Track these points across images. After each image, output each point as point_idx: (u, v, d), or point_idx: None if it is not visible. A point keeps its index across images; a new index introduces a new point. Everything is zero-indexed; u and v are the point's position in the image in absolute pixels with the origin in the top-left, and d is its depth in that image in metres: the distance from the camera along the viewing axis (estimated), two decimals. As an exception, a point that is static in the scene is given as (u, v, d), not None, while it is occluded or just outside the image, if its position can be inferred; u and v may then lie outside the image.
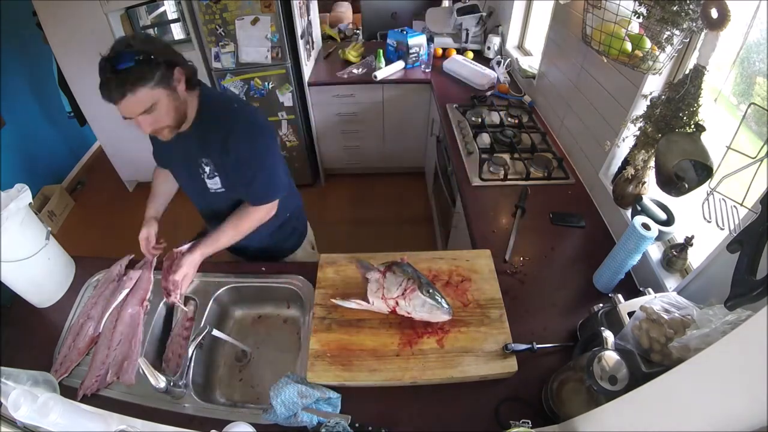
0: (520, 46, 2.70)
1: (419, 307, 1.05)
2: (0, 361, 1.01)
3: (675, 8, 1.01)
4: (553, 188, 1.70)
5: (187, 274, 1.21)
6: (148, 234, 1.35)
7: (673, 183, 1.08)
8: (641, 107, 1.27)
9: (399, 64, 2.79)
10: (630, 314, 0.98)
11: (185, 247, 1.27)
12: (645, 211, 1.24)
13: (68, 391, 1.05)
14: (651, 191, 1.31)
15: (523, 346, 1.06)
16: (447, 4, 3.24)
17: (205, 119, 1.15)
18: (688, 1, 0.99)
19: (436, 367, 1.02)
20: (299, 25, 2.51)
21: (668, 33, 1.07)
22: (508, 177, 1.74)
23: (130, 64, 0.96)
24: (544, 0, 2.27)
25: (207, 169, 1.21)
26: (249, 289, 1.34)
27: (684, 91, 1.06)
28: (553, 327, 1.17)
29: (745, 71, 1.11)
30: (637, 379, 0.77)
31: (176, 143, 1.16)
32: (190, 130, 1.16)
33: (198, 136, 1.17)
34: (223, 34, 2.42)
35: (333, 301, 1.13)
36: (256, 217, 1.26)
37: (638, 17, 1.13)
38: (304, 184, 3.24)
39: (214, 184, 1.24)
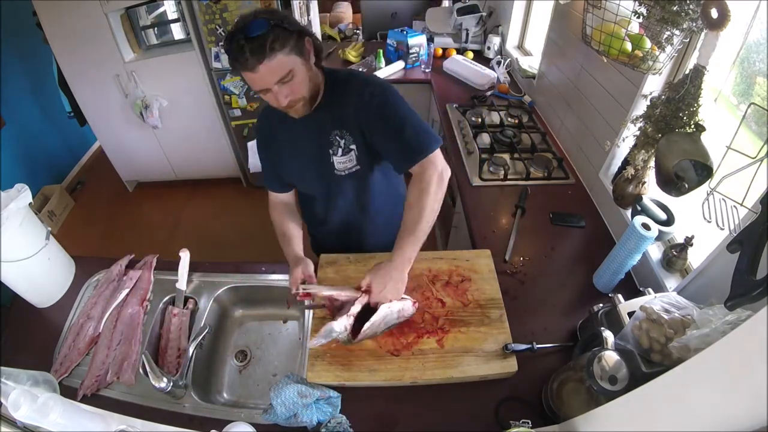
0: (520, 46, 2.70)
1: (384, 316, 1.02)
2: (0, 361, 1.01)
3: (675, 8, 1.01)
4: (553, 188, 1.70)
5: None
6: (305, 271, 1.13)
7: (673, 183, 1.08)
8: (641, 107, 1.27)
9: (399, 64, 2.79)
10: (630, 314, 0.98)
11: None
12: (645, 211, 1.24)
13: (68, 391, 1.05)
14: (651, 191, 1.31)
15: (523, 346, 1.06)
16: (447, 4, 3.23)
17: (334, 90, 1.09)
18: (688, 1, 0.99)
19: (436, 367, 1.02)
20: (299, 25, 2.51)
21: (668, 33, 1.07)
22: (508, 177, 1.74)
23: (265, 29, 0.90)
24: (544, 0, 2.27)
25: (341, 141, 1.10)
26: (249, 289, 1.34)
27: (684, 91, 1.06)
28: (553, 327, 1.17)
29: (745, 71, 1.11)
30: (637, 379, 0.77)
31: (300, 129, 1.11)
32: (319, 107, 1.09)
33: (328, 110, 1.09)
34: (223, 34, 2.42)
35: (302, 287, 1.07)
36: (431, 177, 1.02)
37: (638, 17, 1.13)
38: (304, 184, 3.25)
39: (348, 161, 1.13)
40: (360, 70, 2.78)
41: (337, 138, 1.11)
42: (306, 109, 1.05)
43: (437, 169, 1.03)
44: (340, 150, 1.12)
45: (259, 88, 0.97)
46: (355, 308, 1.01)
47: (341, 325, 0.99)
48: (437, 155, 1.05)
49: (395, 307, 1.04)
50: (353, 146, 1.11)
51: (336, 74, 1.12)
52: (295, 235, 1.23)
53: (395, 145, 1.06)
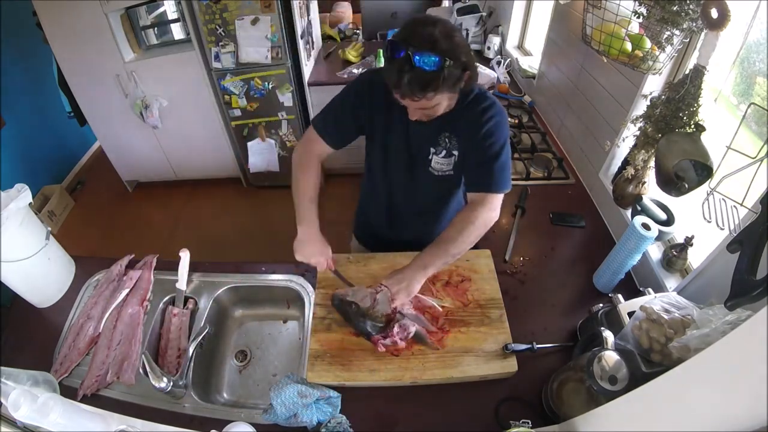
0: (520, 46, 2.70)
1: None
2: (0, 361, 1.01)
3: (675, 8, 1.01)
4: (553, 188, 1.70)
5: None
6: (326, 255, 1.15)
7: (673, 183, 1.08)
8: (641, 107, 1.27)
9: (399, 64, 2.78)
10: (630, 314, 0.98)
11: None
12: (645, 211, 1.24)
13: (68, 391, 1.05)
14: (651, 191, 1.31)
15: (523, 346, 1.06)
16: (447, 4, 3.24)
17: (460, 101, 1.06)
18: (688, 1, 0.99)
19: (436, 367, 1.02)
20: (299, 25, 2.51)
21: (668, 33, 1.07)
22: (508, 177, 1.73)
23: (436, 68, 0.86)
24: (544, 0, 2.26)
25: (447, 143, 1.11)
26: (249, 289, 1.34)
27: (684, 91, 1.06)
28: (553, 327, 1.17)
29: (745, 71, 1.11)
30: (637, 379, 0.77)
31: (410, 122, 1.07)
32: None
33: (448, 113, 1.06)
34: (223, 34, 2.42)
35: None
36: (482, 215, 1.05)
37: (638, 17, 1.13)
38: (304, 184, 3.25)
39: (446, 164, 1.14)
40: (361, 71, 2.78)
41: (446, 140, 1.11)
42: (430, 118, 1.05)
43: (492, 212, 1.07)
44: (444, 152, 1.13)
45: (404, 103, 0.97)
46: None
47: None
48: (499, 198, 1.08)
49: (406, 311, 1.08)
50: (456, 152, 1.13)
51: (468, 88, 1.06)
52: (315, 203, 1.21)
53: (477, 170, 1.09)
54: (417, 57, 0.85)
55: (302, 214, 1.16)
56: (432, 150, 1.13)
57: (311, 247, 1.13)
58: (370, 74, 1.15)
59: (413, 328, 1.06)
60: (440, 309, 1.12)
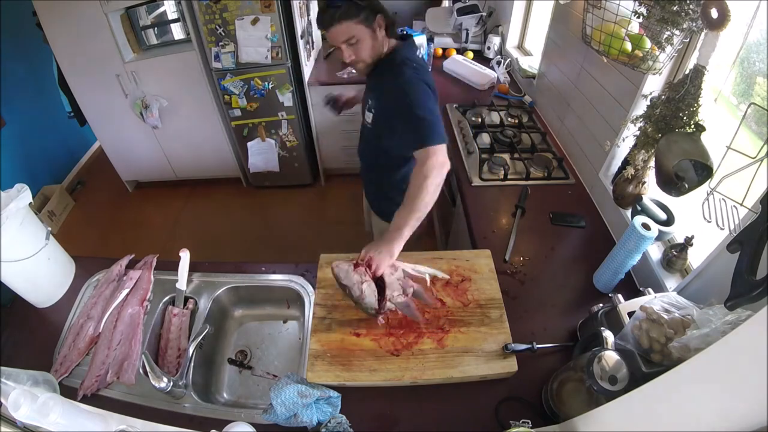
0: (520, 46, 2.70)
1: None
2: (0, 361, 1.01)
3: (675, 8, 1.01)
4: (553, 188, 1.70)
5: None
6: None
7: (673, 183, 1.08)
8: (641, 107, 1.27)
9: (399, 64, 2.79)
10: (630, 314, 0.98)
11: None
12: (645, 211, 1.24)
13: (68, 391, 1.05)
14: (651, 191, 1.31)
15: (523, 346, 1.06)
16: (447, 4, 3.23)
17: (385, 64, 1.30)
18: (688, 1, 0.99)
19: (436, 367, 1.02)
20: (299, 25, 2.51)
21: (668, 33, 1.07)
22: (508, 177, 1.73)
23: (340, 3, 1.16)
24: (544, 0, 2.26)
25: (371, 103, 1.38)
26: (249, 289, 1.34)
27: (684, 91, 1.06)
28: (553, 327, 1.17)
29: (745, 71, 1.11)
30: (637, 379, 0.77)
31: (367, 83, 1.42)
32: (374, 73, 1.34)
33: (378, 78, 1.34)
34: (223, 34, 2.42)
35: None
36: (429, 166, 1.11)
37: (638, 17, 1.13)
38: (304, 184, 3.25)
39: (369, 118, 1.41)
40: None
41: (371, 100, 1.38)
42: (366, 70, 1.32)
43: (438, 160, 1.14)
44: (370, 108, 1.39)
45: (332, 44, 1.25)
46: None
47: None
48: (441, 149, 1.15)
49: (397, 274, 1.12)
50: (374, 109, 1.38)
51: (395, 54, 1.31)
52: None
53: (407, 130, 1.20)
54: None
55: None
56: (367, 107, 1.41)
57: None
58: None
59: (410, 289, 1.12)
60: (428, 280, 1.18)
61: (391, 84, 1.26)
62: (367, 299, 1.05)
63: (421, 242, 2.76)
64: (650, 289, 1.07)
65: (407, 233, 1.09)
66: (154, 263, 1.34)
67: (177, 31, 2.87)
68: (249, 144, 2.93)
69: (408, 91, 1.21)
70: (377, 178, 1.59)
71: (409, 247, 1.28)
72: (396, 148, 1.39)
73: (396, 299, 1.09)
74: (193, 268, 1.31)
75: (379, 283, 1.08)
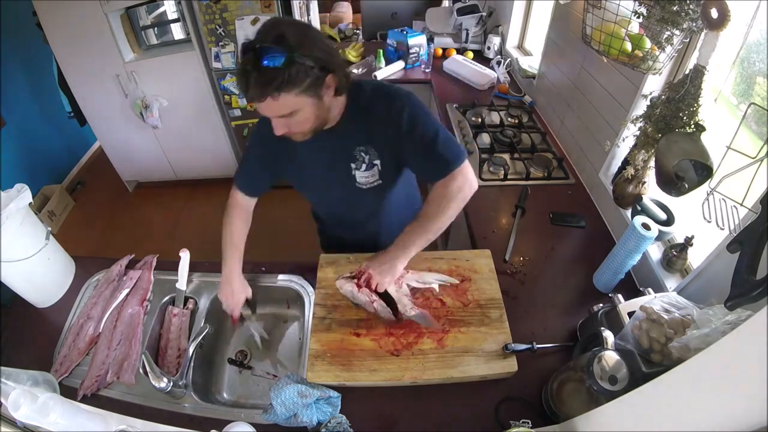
0: (520, 46, 2.70)
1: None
2: (0, 361, 1.01)
3: (675, 8, 1.01)
4: (553, 188, 1.70)
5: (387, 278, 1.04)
6: (245, 294, 1.21)
7: (673, 183, 1.08)
8: (641, 107, 1.27)
9: (399, 64, 2.79)
10: (630, 314, 0.98)
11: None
12: (645, 211, 1.24)
13: (68, 391, 1.05)
14: (651, 191, 1.31)
15: (523, 346, 1.06)
16: (447, 4, 3.24)
17: (359, 108, 1.04)
18: (688, 1, 0.99)
19: (436, 367, 1.02)
20: (299, 25, 2.51)
21: (668, 33, 1.07)
22: (508, 177, 1.73)
23: (278, 65, 0.81)
24: (544, 0, 2.26)
25: (365, 158, 1.08)
26: (249, 289, 1.33)
27: (684, 91, 1.06)
28: (553, 327, 1.17)
29: (745, 71, 1.11)
30: (637, 379, 0.77)
31: (316, 143, 1.02)
32: (339, 125, 1.05)
33: (353, 126, 1.05)
34: (223, 34, 2.42)
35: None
36: (461, 186, 1.02)
37: (638, 17, 1.13)
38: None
39: (371, 176, 1.11)
40: (361, 71, 2.78)
41: (362, 154, 1.08)
42: (306, 137, 1.00)
43: (467, 180, 1.04)
44: (363, 165, 1.09)
45: (261, 113, 0.93)
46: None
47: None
48: (467, 167, 1.05)
49: (402, 290, 1.11)
50: (377, 162, 1.09)
51: (361, 89, 1.05)
52: (241, 251, 1.25)
53: (428, 161, 1.04)
54: (261, 53, 0.80)
55: (230, 265, 1.20)
56: (353, 166, 1.10)
57: (226, 287, 1.18)
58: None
59: (435, 285, 1.14)
60: (436, 288, 1.16)
61: (390, 119, 1.02)
62: (382, 314, 1.08)
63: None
64: (650, 289, 1.07)
65: (413, 252, 1.03)
66: (154, 263, 1.34)
67: (177, 31, 2.87)
68: (249, 144, 2.93)
69: (414, 117, 1.01)
70: (385, 221, 1.30)
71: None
72: (404, 182, 1.22)
73: (409, 313, 1.08)
74: (193, 268, 1.31)
75: (387, 297, 1.08)
